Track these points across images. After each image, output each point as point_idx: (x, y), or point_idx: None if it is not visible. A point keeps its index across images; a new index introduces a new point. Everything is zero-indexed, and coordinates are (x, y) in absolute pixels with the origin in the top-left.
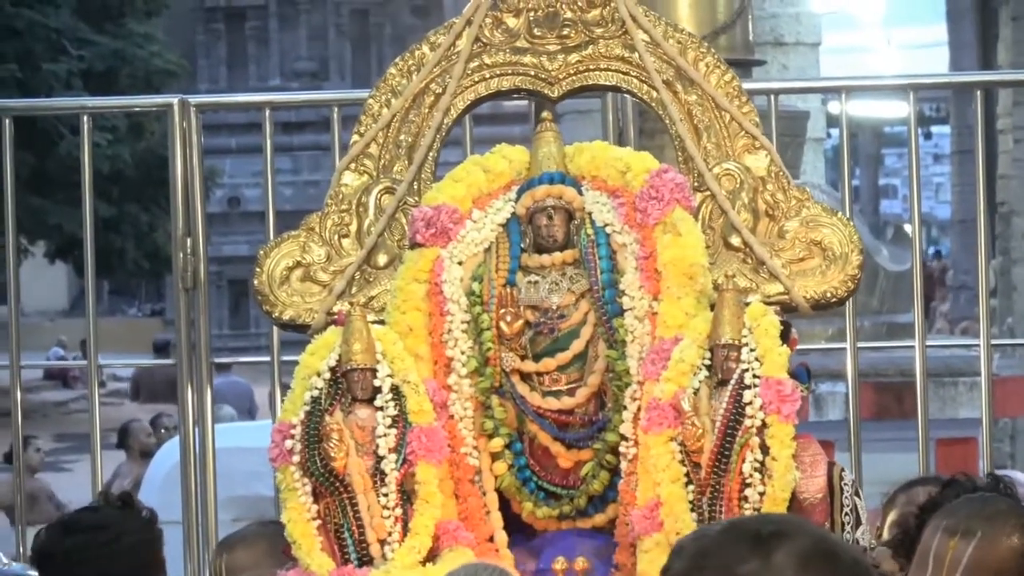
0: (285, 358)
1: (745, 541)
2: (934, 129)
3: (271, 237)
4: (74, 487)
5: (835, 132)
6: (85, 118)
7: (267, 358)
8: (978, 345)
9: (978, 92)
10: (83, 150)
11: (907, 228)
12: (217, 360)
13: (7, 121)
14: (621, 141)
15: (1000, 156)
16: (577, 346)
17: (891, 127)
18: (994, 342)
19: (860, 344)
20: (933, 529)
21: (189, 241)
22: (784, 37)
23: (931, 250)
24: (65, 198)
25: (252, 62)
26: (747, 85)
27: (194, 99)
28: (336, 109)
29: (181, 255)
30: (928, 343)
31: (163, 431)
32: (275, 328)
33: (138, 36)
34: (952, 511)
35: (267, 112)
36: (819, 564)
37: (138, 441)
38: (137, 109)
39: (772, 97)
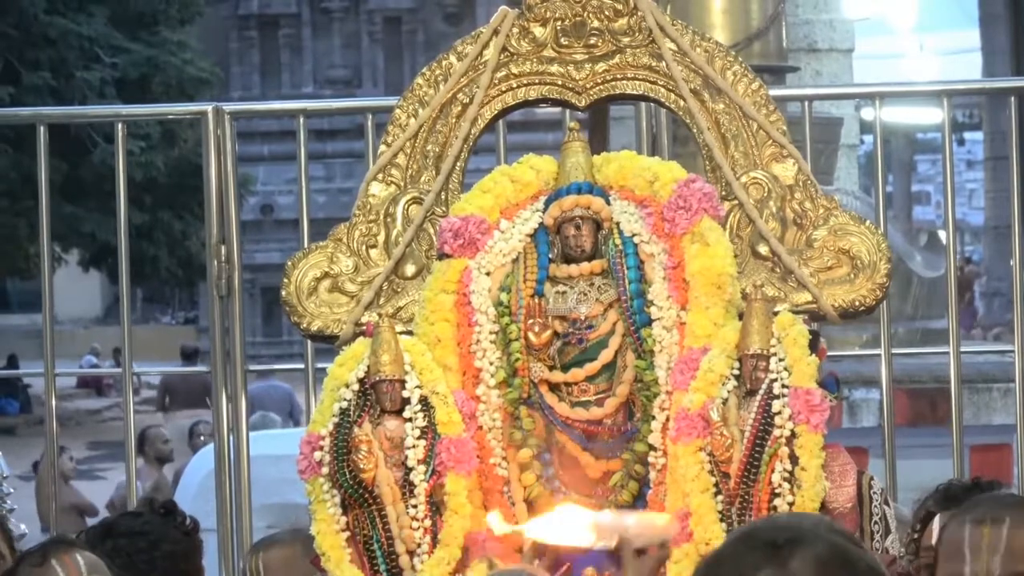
0: (320, 365)
1: (761, 548)
2: (967, 135)
3: (304, 245)
4: (108, 495)
5: (869, 138)
6: (119, 126)
7: (300, 366)
8: (1012, 351)
9: (1012, 98)
10: (117, 158)
11: (941, 234)
12: (251, 368)
13: (42, 129)
14: (655, 148)
15: None
16: (605, 356)
17: (924, 133)
18: None
19: (894, 350)
20: (958, 524)
21: (223, 249)
22: (818, 43)
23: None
24: (98, 206)
25: (285, 70)
26: (780, 92)
27: (228, 107)
28: (370, 116)
29: (215, 263)
30: (962, 349)
31: (200, 438)
32: None
33: (172, 44)
34: (970, 507)
35: (301, 120)
36: (835, 570)
37: (154, 448)
38: (171, 117)
39: (806, 104)
